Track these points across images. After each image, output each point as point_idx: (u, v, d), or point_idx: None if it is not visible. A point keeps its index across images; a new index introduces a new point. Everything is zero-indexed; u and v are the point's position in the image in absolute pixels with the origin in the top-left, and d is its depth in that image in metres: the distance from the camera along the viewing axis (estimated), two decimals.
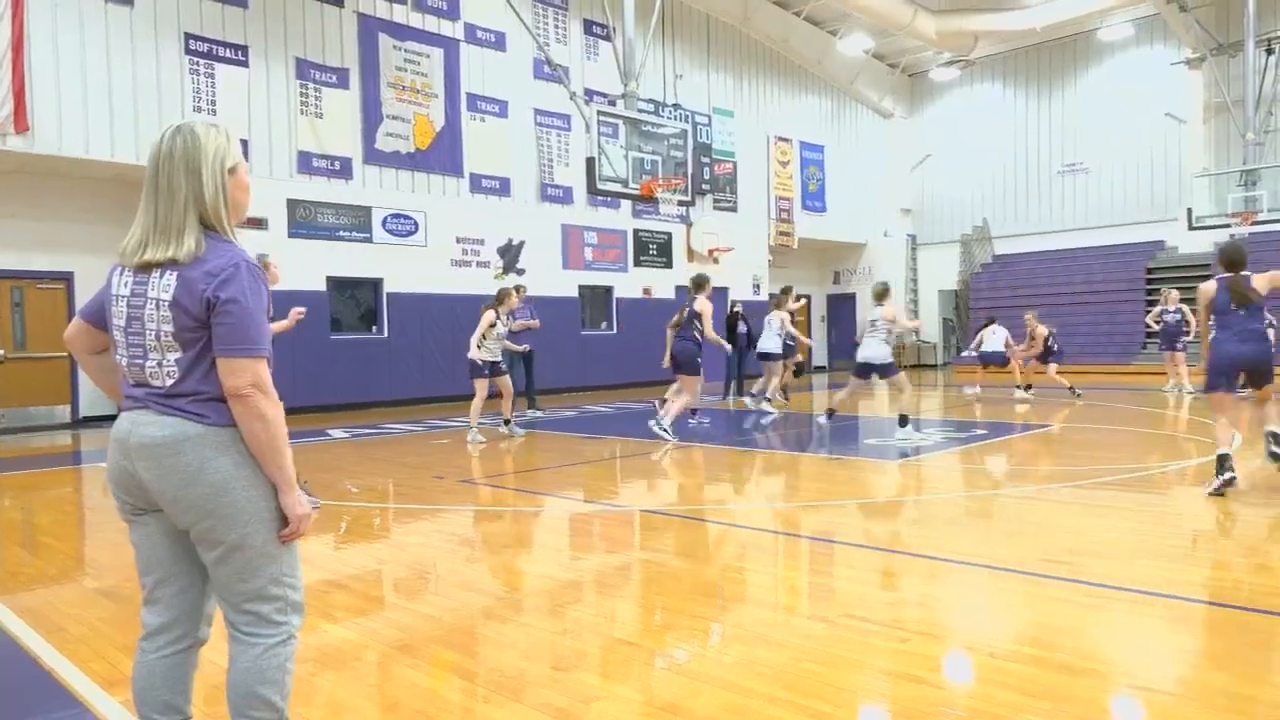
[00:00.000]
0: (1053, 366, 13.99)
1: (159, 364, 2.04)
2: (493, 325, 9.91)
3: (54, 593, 4.36)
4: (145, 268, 2.04)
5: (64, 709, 2.96)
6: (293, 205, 13.56)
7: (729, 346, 11.67)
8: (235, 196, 2.12)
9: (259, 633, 2.12)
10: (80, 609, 4.04)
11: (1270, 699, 2.79)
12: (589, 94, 16.63)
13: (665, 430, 9.38)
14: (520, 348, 11.91)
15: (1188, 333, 14.29)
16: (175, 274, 2.00)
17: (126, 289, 2.08)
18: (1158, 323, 14.63)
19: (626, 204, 17.94)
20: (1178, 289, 15.28)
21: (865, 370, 9.81)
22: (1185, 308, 14.50)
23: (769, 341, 12.71)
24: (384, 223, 14.65)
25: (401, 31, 14.97)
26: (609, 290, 18.19)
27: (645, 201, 13.95)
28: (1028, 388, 14.02)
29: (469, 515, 6.11)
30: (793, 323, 13.23)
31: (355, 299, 14.64)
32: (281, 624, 2.14)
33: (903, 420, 9.41)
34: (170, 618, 2.18)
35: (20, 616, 3.93)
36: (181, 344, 2.01)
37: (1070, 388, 13.75)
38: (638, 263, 18.68)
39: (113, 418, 8.98)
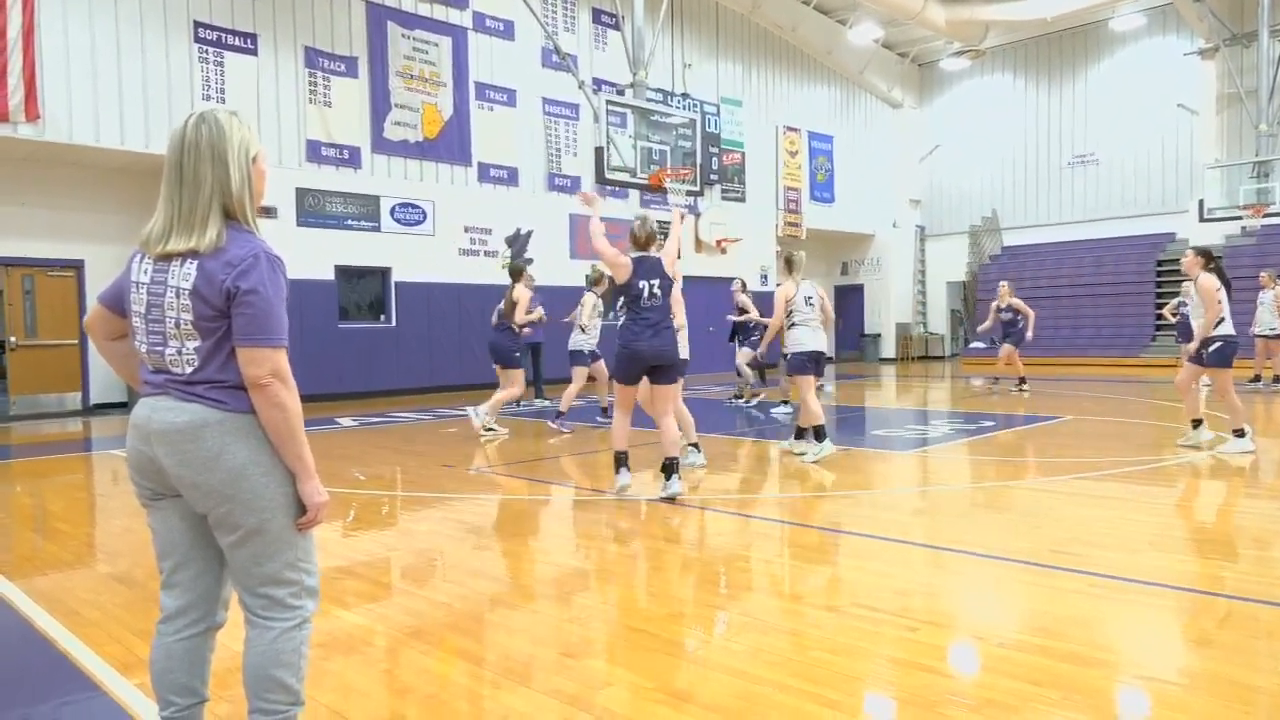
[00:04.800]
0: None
1: (178, 351, 2.05)
2: (595, 307, 9.88)
3: (68, 578, 4.41)
4: (166, 257, 2.06)
5: (80, 692, 2.99)
6: (301, 194, 13.59)
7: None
8: (255, 185, 2.14)
9: (274, 616, 2.15)
10: (95, 594, 4.08)
11: (1277, 689, 2.79)
12: (597, 83, 16.61)
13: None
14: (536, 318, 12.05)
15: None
16: (195, 263, 2.02)
17: (146, 276, 2.08)
18: (1174, 315, 14.51)
19: (635, 193, 17.92)
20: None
21: None
22: None
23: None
24: (392, 212, 14.66)
25: (410, 20, 14.95)
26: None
27: (653, 191, 13.94)
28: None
29: (477, 503, 6.14)
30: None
31: (363, 288, 14.68)
32: (296, 608, 2.17)
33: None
34: (187, 601, 2.21)
35: (36, 601, 3.97)
36: (201, 332, 2.03)
37: (995, 379, 14.18)
38: None
39: (123, 405, 9.08)
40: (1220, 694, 2.74)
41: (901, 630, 3.36)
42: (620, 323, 6.11)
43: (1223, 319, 7.44)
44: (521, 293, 9.78)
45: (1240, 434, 7.42)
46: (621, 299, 6.13)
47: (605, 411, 10.11)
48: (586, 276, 10.53)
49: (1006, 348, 13.81)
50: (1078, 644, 3.17)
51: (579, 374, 9.91)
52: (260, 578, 2.12)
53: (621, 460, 6.14)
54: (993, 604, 3.79)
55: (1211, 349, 7.50)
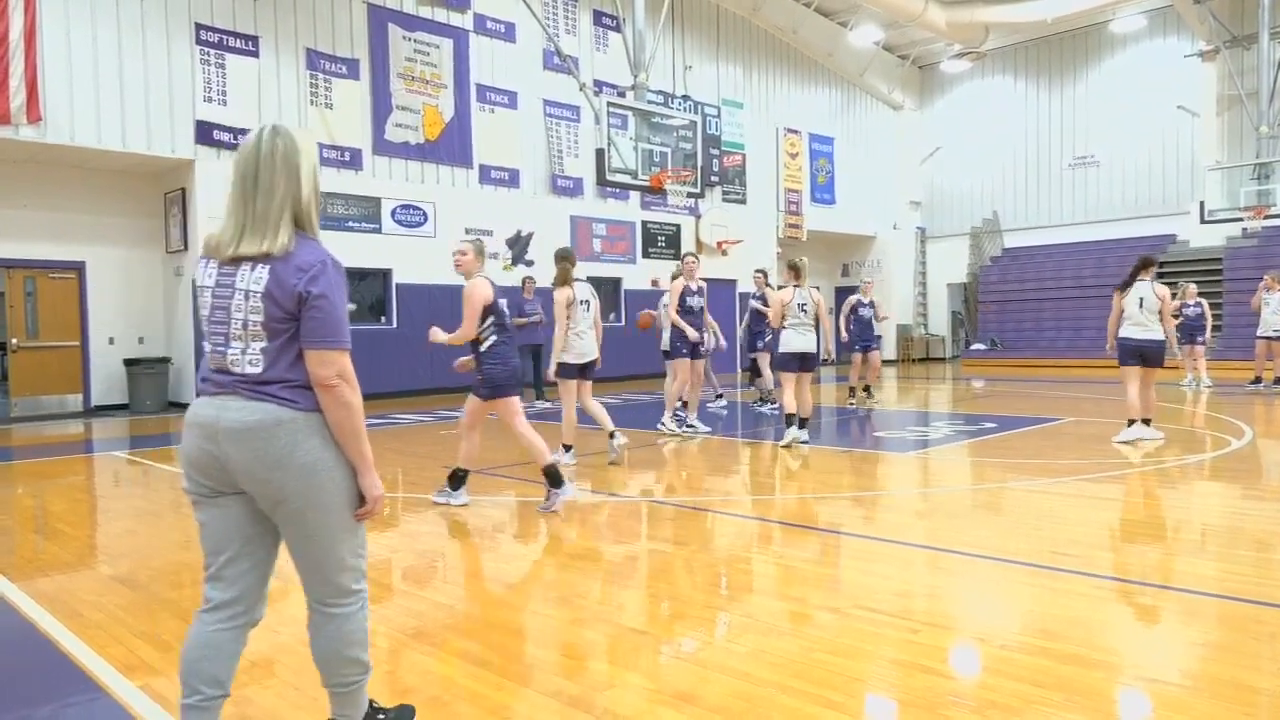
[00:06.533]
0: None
1: (242, 352, 2.16)
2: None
3: (71, 579, 4.41)
4: (235, 261, 2.16)
5: (82, 694, 2.99)
6: None
7: None
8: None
9: (341, 603, 2.32)
10: (97, 595, 4.08)
11: (1278, 691, 2.80)
12: (598, 85, 16.61)
13: None
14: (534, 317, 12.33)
15: (1205, 326, 14.24)
16: (267, 267, 2.13)
17: (211, 280, 2.20)
18: (1176, 317, 14.47)
19: (635, 195, 17.94)
20: (1195, 283, 15.18)
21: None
22: (1205, 302, 14.43)
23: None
24: (393, 213, 14.68)
25: (411, 22, 14.97)
26: (617, 282, 18.20)
27: (654, 193, 13.94)
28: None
29: (479, 505, 6.14)
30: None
31: (364, 289, 14.69)
32: (359, 591, 2.35)
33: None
34: (235, 594, 2.29)
35: (38, 602, 3.97)
36: (269, 333, 2.14)
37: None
38: (646, 254, 18.69)
39: (124, 407, 9.07)
40: (1222, 695, 2.74)
41: (903, 632, 3.36)
42: (489, 345, 5.76)
43: (1132, 324, 8.25)
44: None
45: (1131, 423, 8.30)
46: (489, 320, 5.73)
47: (688, 424, 9.78)
48: (673, 275, 10.26)
49: (857, 355, 12.88)
50: (1079, 645, 3.17)
51: (678, 368, 9.57)
52: (330, 566, 2.27)
53: (463, 479, 5.97)
54: (994, 606, 3.79)
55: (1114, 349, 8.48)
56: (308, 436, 2.15)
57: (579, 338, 7.45)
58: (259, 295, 2.12)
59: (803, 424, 8.51)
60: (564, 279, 7.30)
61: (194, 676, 2.25)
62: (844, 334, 12.79)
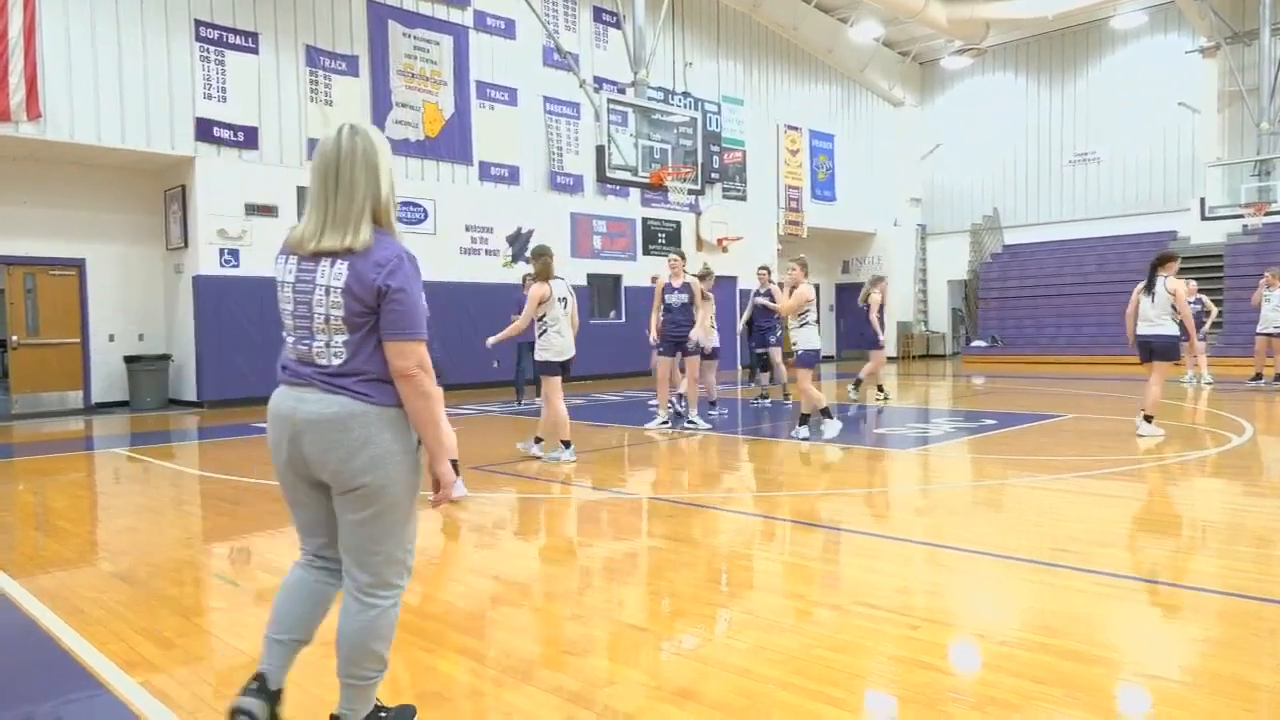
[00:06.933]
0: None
1: (326, 344, 2.24)
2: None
3: (71, 576, 4.41)
4: (315, 256, 2.23)
5: (83, 690, 2.99)
6: (303, 193, 13.53)
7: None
8: None
9: (379, 594, 2.35)
10: (98, 592, 4.09)
11: (1279, 687, 2.80)
12: (598, 82, 16.59)
13: None
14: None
15: (1205, 322, 14.22)
16: (346, 263, 2.20)
17: (291, 275, 2.28)
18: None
19: (635, 192, 17.92)
20: (1195, 280, 15.18)
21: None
22: (1205, 298, 14.42)
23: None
24: None
25: (411, 19, 14.95)
26: (617, 279, 18.19)
27: (654, 190, 13.91)
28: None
29: (478, 502, 6.14)
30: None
31: None
32: (398, 586, 2.40)
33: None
34: (332, 567, 2.46)
35: (39, 599, 3.97)
36: (350, 327, 2.21)
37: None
38: (646, 251, 18.67)
39: (124, 404, 9.06)
40: (1222, 692, 2.74)
41: (903, 628, 3.36)
42: None
43: (1141, 320, 8.49)
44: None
45: (1148, 419, 8.43)
46: None
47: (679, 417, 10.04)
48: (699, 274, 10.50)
49: (874, 352, 12.36)
50: (1080, 642, 3.17)
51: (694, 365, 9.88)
52: (377, 554, 2.32)
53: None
54: (994, 602, 3.79)
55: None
56: (380, 430, 2.23)
57: (559, 335, 7.50)
58: (339, 290, 2.19)
59: (806, 420, 8.74)
60: (544, 274, 7.39)
61: (289, 616, 2.40)
62: (882, 335, 12.25)
